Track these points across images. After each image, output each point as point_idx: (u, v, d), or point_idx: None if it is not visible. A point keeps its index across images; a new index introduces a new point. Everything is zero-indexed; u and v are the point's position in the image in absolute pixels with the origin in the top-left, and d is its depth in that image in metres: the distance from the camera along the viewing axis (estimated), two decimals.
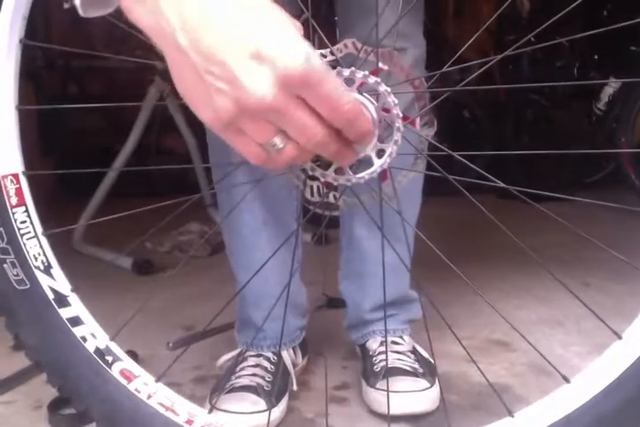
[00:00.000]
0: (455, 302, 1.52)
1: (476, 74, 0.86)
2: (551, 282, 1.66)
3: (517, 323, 1.45)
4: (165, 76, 2.28)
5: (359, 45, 0.71)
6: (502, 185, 0.69)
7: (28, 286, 0.75)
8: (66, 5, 0.82)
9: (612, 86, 2.94)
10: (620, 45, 2.90)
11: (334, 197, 0.78)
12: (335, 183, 0.68)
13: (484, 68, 0.78)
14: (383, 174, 0.74)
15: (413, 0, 1.05)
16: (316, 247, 1.73)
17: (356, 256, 1.21)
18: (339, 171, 0.69)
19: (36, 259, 0.75)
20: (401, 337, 1.20)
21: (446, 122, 3.29)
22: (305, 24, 0.60)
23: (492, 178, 0.71)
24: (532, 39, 2.81)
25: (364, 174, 0.67)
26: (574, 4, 0.71)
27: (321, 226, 1.63)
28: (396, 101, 0.65)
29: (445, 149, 0.79)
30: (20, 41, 0.72)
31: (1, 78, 0.72)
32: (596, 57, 3.26)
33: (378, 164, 0.67)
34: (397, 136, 0.66)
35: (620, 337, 0.65)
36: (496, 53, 3.53)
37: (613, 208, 2.49)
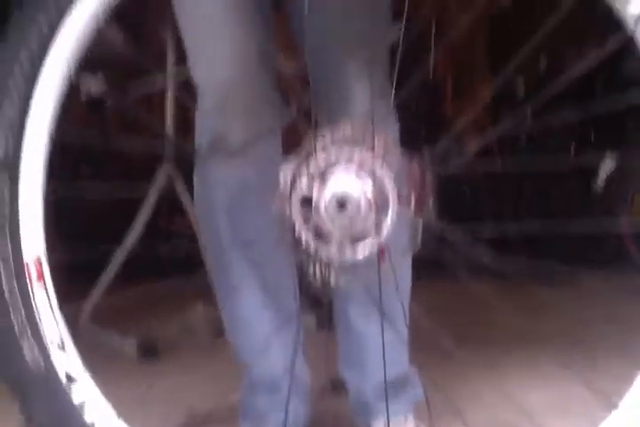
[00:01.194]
0: (456, 384, 1.49)
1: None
2: (555, 364, 1.64)
3: (521, 405, 1.42)
4: (174, 161, 2.37)
5: (356, 127, 0.76)
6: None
7: (42, 362, 0.78)
8: (84, 97, 0.89)
9: (608, 164, 2.99)
10: (615, 125, 2.99)
11: (335, 276, 0.81)
12: (336, 262, 0.71)
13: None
14: (381, 255, 0.77)
15: (386, 85, 1.11)
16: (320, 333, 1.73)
17: (354, 345, 1.21)
18: (339, 249, 0.72)
19: (50, 336, 0.79)
20: (405, 418, 1.18)
21: (445, 199, 3.34)
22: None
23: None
24: (529, 118, 2.91)
25: (363, 251, 0.70)
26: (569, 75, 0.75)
27: (324, 308, 1.64)
28: (392, 176, 0.69)
29: (443, 229, 0.82)
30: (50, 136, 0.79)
31: (32, 173, 0.78)
32: (593, 136, 3.35)
33: (375, 241, 0.70)
34: (393, 215, 0.70)
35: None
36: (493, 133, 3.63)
37: (619, 286, 2.48)
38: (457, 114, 4.07)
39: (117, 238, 2.42)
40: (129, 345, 1.99)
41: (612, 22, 0.69)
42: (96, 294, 2.22)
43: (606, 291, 2.56)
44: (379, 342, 0.92)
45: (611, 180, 3.01)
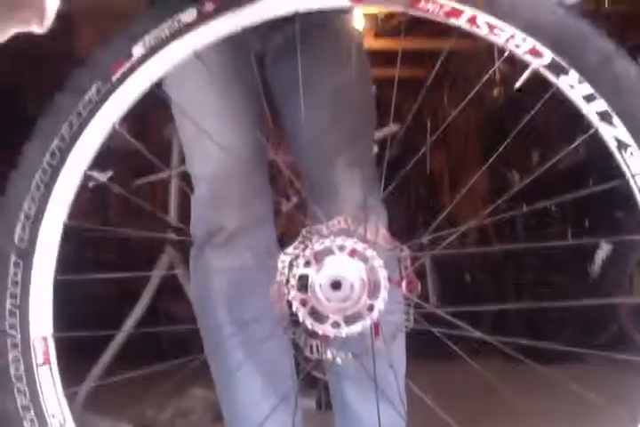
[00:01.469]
0: None
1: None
2: None
3: None
4: (176, 246, 2.42)
5: (350, 221, 0.83)
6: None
7: None
8: (90, 185, 0.95)
9: (603, 250, 3.04)
10: (607, 212, 3.06)
11: (332, 354, 0.84)
12: (331, 335, 0.75)
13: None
14: (375, 330, 0.81)
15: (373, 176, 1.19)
16: (319, 412, 1.72)
17: (350, 423, 1.20)
18: (334, 325, 0.77)
19: (53, 417, 0.81)
20: None
21: (448, 287, 3.37)
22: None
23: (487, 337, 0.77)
24: (525, 207, 2.99)
25: (358, 326, 0.75)
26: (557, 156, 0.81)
27: (321, 388, 1.64)
28: (382, 263, 0.75)
29: (428, 306, 0.86)
30: (63, 223, 0.85)
31: (45, 254, 0.84)
32: (587, 223, 3.42)
33: (368, 317, 0.75)
34: (384, 294, 0.75)
35: None
36: (492, 223, 3.71)
37: (621, 369, 2.46)
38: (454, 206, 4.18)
39: (115, 321, 2.43)
40: None
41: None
42: (93, 376, 2.21)
43: (608, 370, 2.54)
44: (375, 421, 0.93)
45: (608, 263, 3.04)
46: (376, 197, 1.16)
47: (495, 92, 3.73)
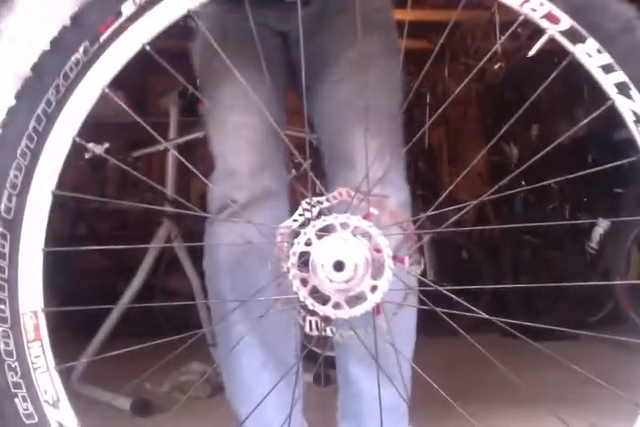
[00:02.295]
0: None
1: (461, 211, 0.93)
2: (556, 421, 1.63)
3: None
4: (174, 219, 2.41)
5: (352, 193, 0.80)
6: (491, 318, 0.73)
7: (36, 420, 0.76)
8: (87, 155, 0.93)
9: (601, 226, 3.04)
10: (606, 188, 3.05)
11: (331, 331, 0.82)
12: (333, 317, 0.73)
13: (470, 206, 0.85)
14: (377, 308, 0.79)
15: (395, 150, 1.16)
16: (318, 387, 1.72)
17: (352, 396, 1.21)
18: (336, 305, 0.75)
19: (46, 393, 0.78)
20: None
21: (445, 263, 3.38)
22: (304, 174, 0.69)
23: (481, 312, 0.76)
24: (523, 183, 2.97)
25: (360, 308, 0.73)
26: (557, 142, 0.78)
27: (321, 365, 1.64)
28: (387, 242, 0.72)
29: (432, 284, 0.85)
30: (52, 192, 0.80)
31: (34, 225, 0.79)
32: (586, 199, 3.41)
33: (371, 298, 0.73)
34: (388, 273, 0.73)
35: None
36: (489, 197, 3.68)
37: (616, 346, 2.48)
38: (453, 179, 4.16)
39: (113, 295, 2.43)
40: (122, 404, 1.97)
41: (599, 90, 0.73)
42: (90, 350, 2.21)
43: (603, 348, 2.56)
44: (376, 397, 0.92)
45: (606, 239, 3.04)
46: (397, 172, 1.16)
47: (496, 66, 3.70)
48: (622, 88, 0.71)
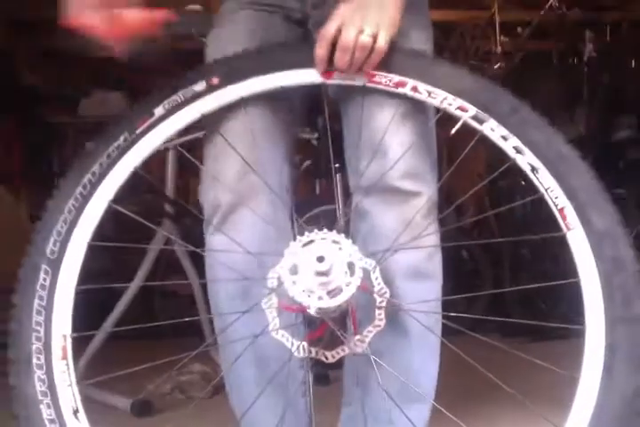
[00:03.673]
0: None
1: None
2: (556, 421, 1.62)
3: None
4: (174, 219, 2.40)
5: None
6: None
7: (58, 426, 0.94)
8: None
9: None
10: (606, 188, 3.04)
11: (317, 353, 0.97)
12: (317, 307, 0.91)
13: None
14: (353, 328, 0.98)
15: (428, 144, 1.16)
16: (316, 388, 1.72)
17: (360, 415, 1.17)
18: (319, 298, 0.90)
19: (67, 404, 0.95)
20: None
21: (445, 263, 3.36)
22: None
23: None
24: (523, 183, 2.97)
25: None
26: None
27: (322, 365, 1.63)
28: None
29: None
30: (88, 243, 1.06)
31: (70, 266, 1.05)
32: None
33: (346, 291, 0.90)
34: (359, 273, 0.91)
35: None
36: (490, 198, 3.70)
37: None
38: (452, 180, 4.16)
39: (113, 295, 2.42)
40: (123, 405, 1.97)
41: None
42: (89, 351, 2.21)
43: None
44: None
45: None
46: (429, 165, 1.15)
47: (496, 66, 3.70)
48: (518, 150, 1.01)
